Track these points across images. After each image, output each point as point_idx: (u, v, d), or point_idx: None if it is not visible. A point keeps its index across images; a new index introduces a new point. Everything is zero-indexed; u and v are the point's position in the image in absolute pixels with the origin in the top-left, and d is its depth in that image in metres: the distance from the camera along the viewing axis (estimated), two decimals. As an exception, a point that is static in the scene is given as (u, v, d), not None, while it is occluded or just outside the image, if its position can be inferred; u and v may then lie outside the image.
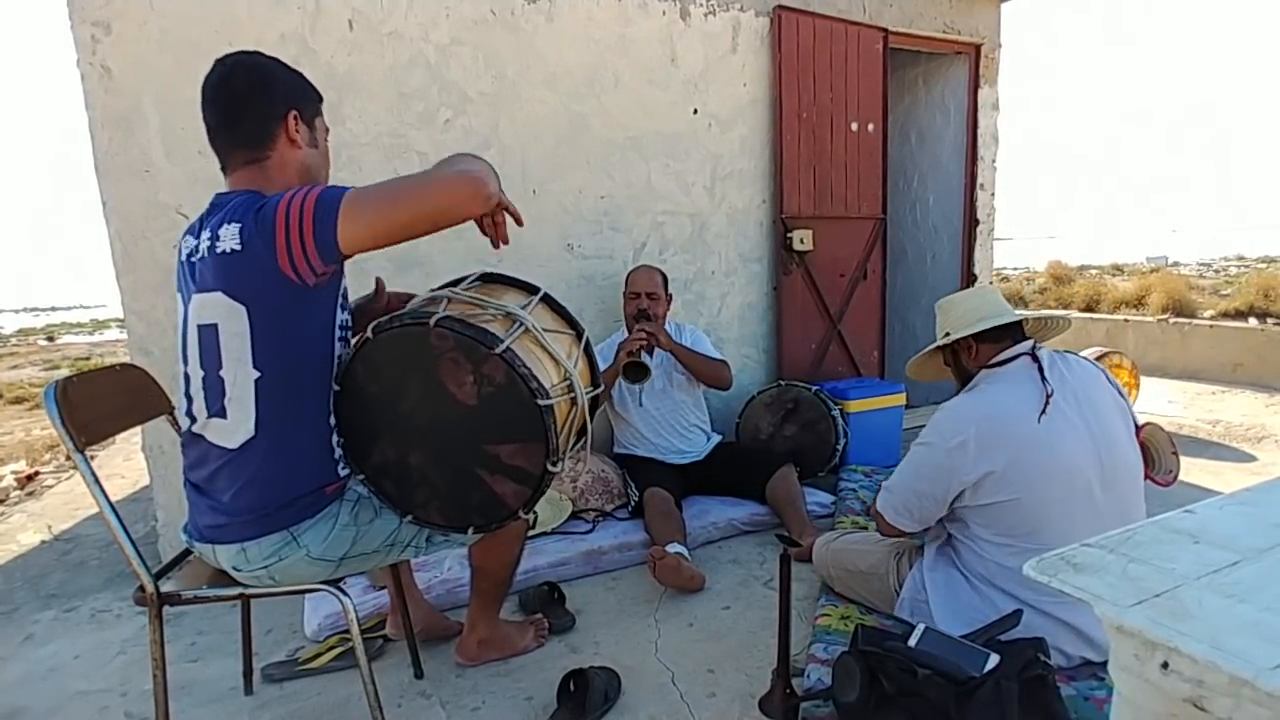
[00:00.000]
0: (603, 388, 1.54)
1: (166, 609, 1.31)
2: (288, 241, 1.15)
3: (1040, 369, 1.56)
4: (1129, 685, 0.59)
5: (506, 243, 1.35)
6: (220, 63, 1.29)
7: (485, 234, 1.36)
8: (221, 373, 1.22)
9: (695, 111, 3.12)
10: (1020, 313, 1.68)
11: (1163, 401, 4.52)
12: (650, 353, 2.46)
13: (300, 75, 1.36)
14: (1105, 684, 1.48)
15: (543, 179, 2.84)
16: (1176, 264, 16.62)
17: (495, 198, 1.25)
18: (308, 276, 1.18)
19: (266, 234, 1.16)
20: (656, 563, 2.08)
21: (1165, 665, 0.55)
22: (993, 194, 4.10)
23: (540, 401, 1.23)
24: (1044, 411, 1.50)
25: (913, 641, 1.34)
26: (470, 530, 1.39)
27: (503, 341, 1.23)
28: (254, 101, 1.28)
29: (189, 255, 1.26)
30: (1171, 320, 5.67)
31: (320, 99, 1.39)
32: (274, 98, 1.29)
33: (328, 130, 1.42)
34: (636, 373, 2.41)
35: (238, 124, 1.28)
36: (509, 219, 1.34)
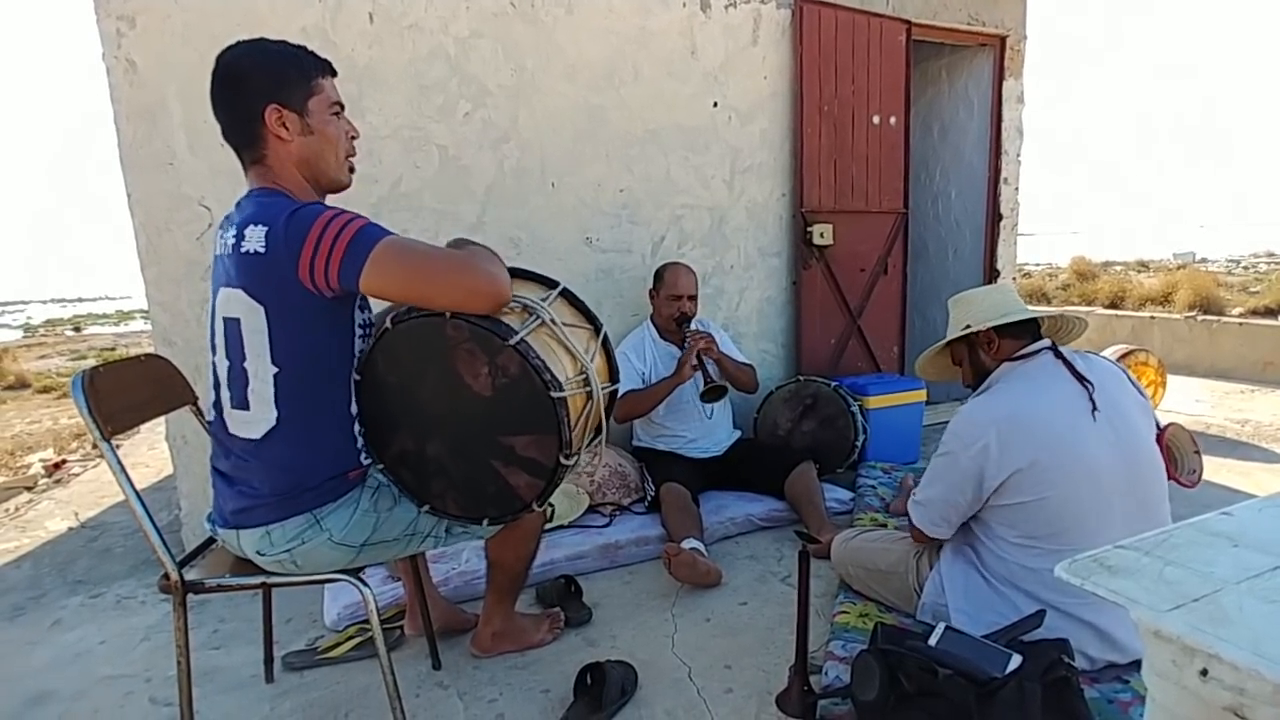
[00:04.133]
0: (620, 384, 1.53)
1: (190, 596, 1.32)
2: (313, 260, 1.17)
3: (1072, 367, 1.52)
4: (1165, 692, 0.58)
5: None
6: (217, 59, 1.27)
7: None
8: (245, 365, 1.24)
9: (715, 104, 3.09)
10: (1038, 309, 1.65)
11: (1190, 400, 4.44)
12: (706, 363, 2.48)
13: (284, 56, 1.28)
14: (1130, 687, 1.46)
15: (561, 172, 2.83)
16: (1204, 260, 16.30)
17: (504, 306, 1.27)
18: (325, 292, 1.20)
19: (294, 245, 1.17)
20: (671, 559, 2.07)
21: (1205, 672, 0.54)
22: (1016, 188, 4.03)
23: (553, 394, 1.23)
24: (1095, 408, 1.47)
25: (933, 640, 1.33)
26: (486, 522, 1.39)
27: (517, 333, 1.23)
28: (233, 105, 1.27)
29: (217, 250, 1.29)
30: (1199, 318, 5.56)
31: (319, 72, 1.31)
32: (248, 96, 1.25)
33: (336, 104, 1.33)
34: (717, 395, 2.44)
35: (230, 128, 1.29)
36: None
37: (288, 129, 1.27)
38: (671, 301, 2.67)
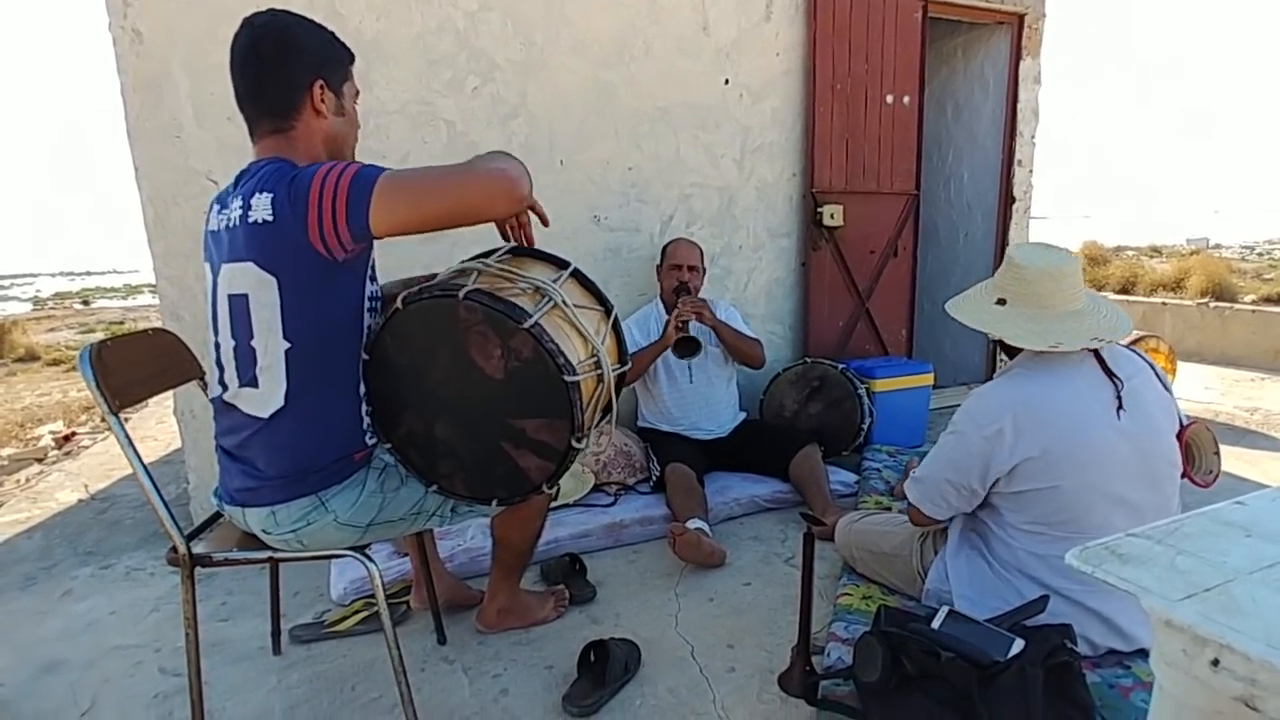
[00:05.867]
0: (630, 365, 1.52)
1: (198, 569, 1.33)
2: (320, 216, 1.15)
3: (1102, 362, 1.50)
4: (1175, 681, 0.57)
5: (532, 245, 1.42)
6: (248, 23, 1.26)
7: (507, 238, 1.41)
8: (253, 343, 1.23)
9: (726, 82, 3.05)
10: (1093, 319, 1.48)
11: (1200, 388, 4.41)
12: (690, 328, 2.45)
13: (329, 36, 1.32)
14: (1132, 672, 1.46)
15: (570, 150, 2.80)
16: (1218, 246, 16.12)
17: (526, 200, 1.25)
18: (337, 252, 1.18)
19: (299, 206, 1.15)
20: (676, 539, 2.08)
21: (1216, 662, 0.53)
22: (1030, 170, 3.98)
23: (567, 378, 1.23)
24: (1121, 407, 1.45)
25: (936, 624, 1.33)
26: (494, 502, 1.40)
27: (531, 316, 1.22)
28: (279, 70, 1.25)
29: (218, 225, 1.26)
30: (1211, 304, 5.51)
31: (351, 59, 1.35)
32: (300, 66, 1.26)
33: (357, 93, 1.38)
34: (688, 347, 2.40)
35: (263, 93, 1.26)
36: (534, 220, 1.38)
37: (327, 105, 1.29)
38: (671, 272, 2.69)
